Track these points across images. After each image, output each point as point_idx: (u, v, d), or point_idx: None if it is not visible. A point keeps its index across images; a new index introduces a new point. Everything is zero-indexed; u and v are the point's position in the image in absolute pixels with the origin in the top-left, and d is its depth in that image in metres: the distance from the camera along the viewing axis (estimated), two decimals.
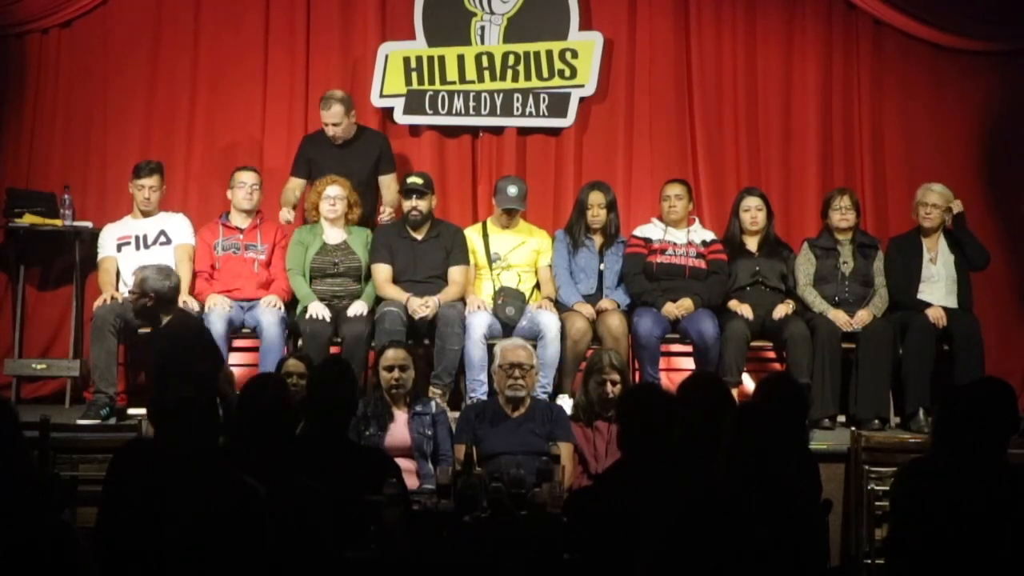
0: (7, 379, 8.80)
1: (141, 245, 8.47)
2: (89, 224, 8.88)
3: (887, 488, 6.00)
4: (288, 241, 8.46)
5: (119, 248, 8.47)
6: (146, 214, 8.55)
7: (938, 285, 8.44)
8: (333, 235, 8.38)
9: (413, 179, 8.39)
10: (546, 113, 9.33)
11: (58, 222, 8.83)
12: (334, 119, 8.67)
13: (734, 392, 7.55)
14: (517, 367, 6.98)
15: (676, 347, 8.57)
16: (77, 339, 8.90)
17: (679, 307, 8.20)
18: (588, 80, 9.34)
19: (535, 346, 7.82)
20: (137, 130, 9.39)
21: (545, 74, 9.31)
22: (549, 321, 8.08)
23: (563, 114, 9.34)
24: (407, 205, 8.36)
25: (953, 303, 8.42)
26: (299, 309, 8.23)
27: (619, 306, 8.32)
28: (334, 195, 8.37)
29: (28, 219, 8.80)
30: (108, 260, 8.47)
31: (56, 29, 9.37)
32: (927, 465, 4.68)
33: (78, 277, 8.96)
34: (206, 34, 9.45)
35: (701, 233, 8.61)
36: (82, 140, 9.37)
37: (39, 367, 8.82)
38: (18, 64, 9.34)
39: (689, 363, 8.37)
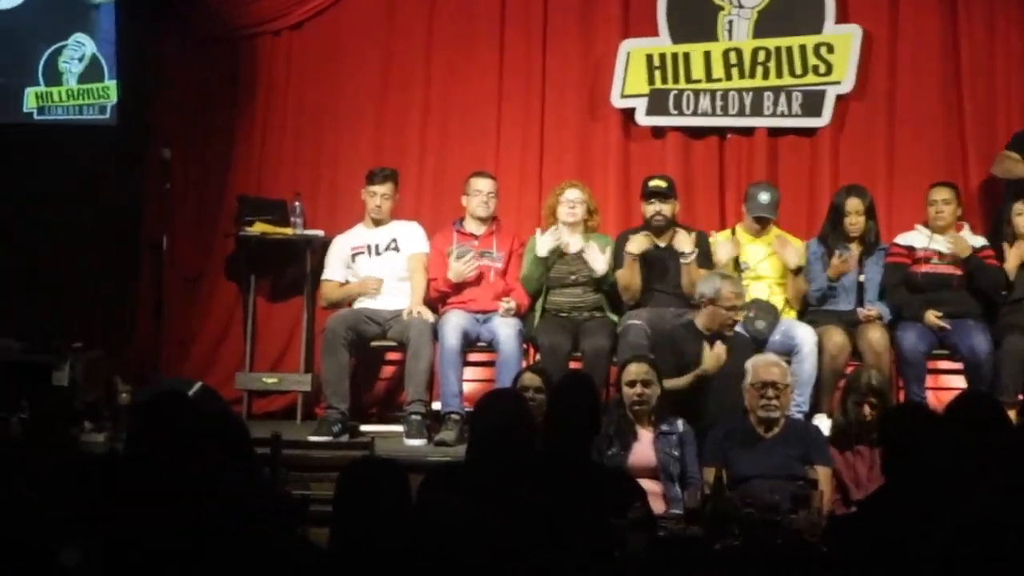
0: (238, 393, 9.02)
1: (372, 253, 8.60)
2: (320, 233, 9.05)
3: None
4: (525, 249, 8.48)
5: (353, 258, 8.61)
6: (377, 222, 8.66)
7: None
8: (572, 242, 8.37)
9: (656, 182, 8.34)
10: (799, 112, 9.18)
11: (288, 230, 9.01)
12: None
13: (1011, 414, 7.29)
14: (770, 386, 6.84)
15: (944, 363, 8.37)
16: (308, 352, 9.08)
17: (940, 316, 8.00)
18: (845, 76, 9.15)
19: (789, 362, 7.69)
20: (368, 135, 9.53)
21: (798, 70, 9.16)
22: (805, 335, 7.95)
23: (818, 113, 9.17)
24: (649, 210, 8.32)
25: None
26: (536, 320, 8.25)
27: (882, 317, 8.13)
28: (573, 199, 8.38)
29: (259, 227, 9.01)
30: (330, 285, 8.64)
31: (287, 31, 9.59)
32: None
33: (309, 288, 9.12)
34: (440, 35, 9.53)
35: (970, 240, 8.36)
36: (313, 146, 9.54)
37: (270, 381, 9.02)
38: (249, 67, 9.59)
39: (959, 381, 8.16)
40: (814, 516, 5.51)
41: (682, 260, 8.17)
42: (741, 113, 9.23)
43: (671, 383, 7.25)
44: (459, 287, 8.40)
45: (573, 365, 8.03)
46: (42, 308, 9.22)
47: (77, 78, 9.49)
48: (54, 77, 9.48)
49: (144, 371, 9.12)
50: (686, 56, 9.24)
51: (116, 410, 8.13)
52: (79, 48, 9.48)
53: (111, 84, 9.40)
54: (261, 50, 9.61)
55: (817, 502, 5.72)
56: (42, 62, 9.47)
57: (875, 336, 7.99)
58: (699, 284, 7.75)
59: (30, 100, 9.49)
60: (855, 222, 8.32)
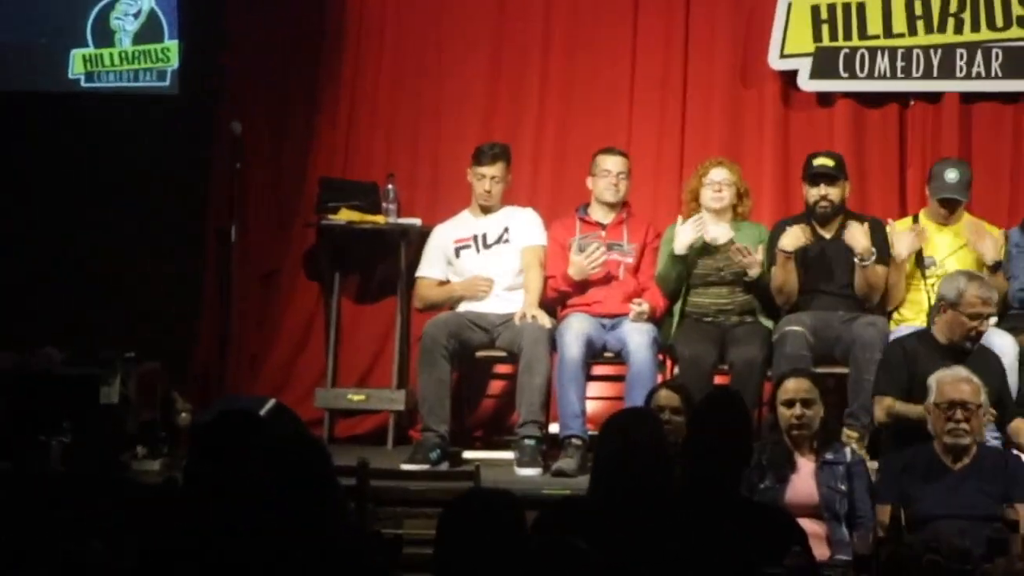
0: (318, 413, 9.07)
1: (480, 246, 8.63)
2: (417, 221, 9.09)
3: None
4: (661, 241, 8.44)
5: (457, 253, 8.62)
6: (486, 210, 8.68)
7: None
8: (717, 233, 8.31)
9: (821, 160, 8.32)
10: (999, 74, 9.11)
11: (380, 219, 9.07)
12: None
13: None
14: (959, 406, 6.74)
15: None
16: (402, 364, 9.12)
17: None
18: None
19: None
20: (476, 106, 9.56)
21: (999, 23, 9.09)
22: (1003, 344, 7.82)
23: (1022, 75, 9.05)
24: (814, 193, 8.29)
25: None
26: (674, 325, 8.19)
27: None
28: (720, 180, 8.36)
29: (344, 215, 9.07)
30: (425, 283, 8.68)
31: None
32: None
33: (403, 287, 9.14)
34: None
35: None
36: (410, 119, 9.58)
37: (356, 398, 9.08)
38: (336, 26, 9.63)
39: None
40: (1015, 565, 5.46)
41: (857, 262, 8.09)
42: (927, 75, 9.19)
43: (902, 407, 7.21)
44: (582, 286, 8.41)
45: (718, 380, 8.09)
46: (89, 311, 9.33)
47: (132, 38, 9.63)
48: (105, 37, 9.64)
49: (208, 386, 9.24)
50: (860, 7, 9.21)
51: (174, 432, 8.23)
52: (134, 3, 9.60)
53: (171, 45, 9.54)
54: (349, 3, 9.63)
55: (1018, 548, 5.65)
56: (91, 19, 9.64)
57: None
58: (941, 284, 7.69)
59: (77, 64, 9.64)
60: None
